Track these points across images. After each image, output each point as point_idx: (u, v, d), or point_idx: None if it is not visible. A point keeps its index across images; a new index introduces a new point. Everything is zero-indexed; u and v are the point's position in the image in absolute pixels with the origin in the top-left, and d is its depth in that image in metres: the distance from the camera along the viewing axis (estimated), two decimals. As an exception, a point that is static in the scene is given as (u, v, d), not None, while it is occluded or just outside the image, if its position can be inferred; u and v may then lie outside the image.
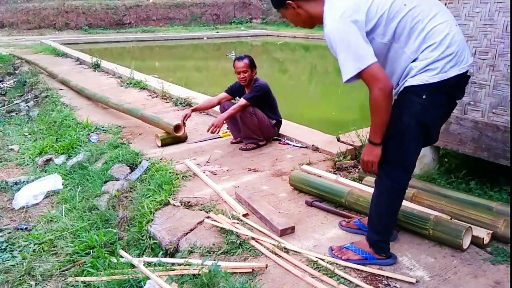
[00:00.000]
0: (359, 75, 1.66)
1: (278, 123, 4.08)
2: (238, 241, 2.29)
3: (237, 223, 2.46)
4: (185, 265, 2.18)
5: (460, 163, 2.97)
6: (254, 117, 3.77)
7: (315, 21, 1.83)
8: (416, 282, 1.93)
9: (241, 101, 3.78)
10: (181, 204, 2.80)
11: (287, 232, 2.35)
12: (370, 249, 2.06)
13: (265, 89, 3.87)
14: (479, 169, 2.82)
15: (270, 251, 2.18)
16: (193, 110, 4.15)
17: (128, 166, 3.63)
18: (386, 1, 1.70)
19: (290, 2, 1.76)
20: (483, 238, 2.18)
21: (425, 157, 2.96)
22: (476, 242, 2.20)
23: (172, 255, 2.38)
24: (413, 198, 2.55)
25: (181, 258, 2.27)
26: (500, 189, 2.65)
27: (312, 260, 2.09)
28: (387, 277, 1.96)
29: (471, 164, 2.87)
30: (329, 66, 12.69)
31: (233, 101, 4.10)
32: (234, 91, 4.06)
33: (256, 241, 2.27)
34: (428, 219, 2.22)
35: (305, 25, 1.86)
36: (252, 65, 3.83)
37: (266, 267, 2.05)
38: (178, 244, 2.41)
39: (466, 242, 2.16)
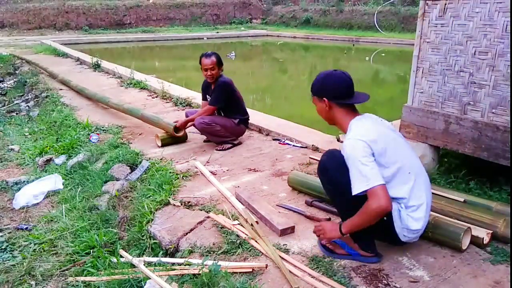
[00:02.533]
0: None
1: (244, 121, 4.00)
2: (238, 241, 2.29)
3: (239, 224, 2.46)
4: (185, 265, 2.19)
5: (460, 163, 2.97)
6: (214, 125, 3.78)
7: (336, 124, 2.08)
8: (416, 282, 1.93)
9: (206, 108, 3.87)
10: (181, 204, 2.80)
11: (287, 232, 2.36)
12: (355, 244, 2.09)
13: (228, 87, 3.84)
14: (479, 169, 2.82)
15: (270, 251, 2.18)
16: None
17: (128, 166, 3.63)
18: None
19: (326, 99, 2.01)
20: (483, 238, 2.18)
21: (425, 157, 2.96)
22: (476, 242, 2.20)
23: (172, 255, 2.38)
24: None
25: (181, 258, 2.28)
26: (500, 189, 2.66)
27: (312, 260, 2.09)
28: (386, 276, 1.97)
29: (471, 164, 2.88)
30: (329, 66, 12.69)
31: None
32: (205, 92, 4.06)
33: (256, 241, 2.28)
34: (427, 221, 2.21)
35: (327, 120, 2.11)
36: (219, 63, 3.79)
37: (266, 267, 2.05)
38: (178, 244, 2.42)
39: (466, 242, 2.16)
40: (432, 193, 2.54)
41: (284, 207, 2.69)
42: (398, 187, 1.91)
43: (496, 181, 2.70)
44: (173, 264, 2.25)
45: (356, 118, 1.98)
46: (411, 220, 1.94)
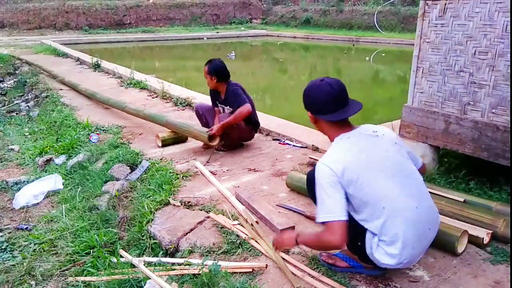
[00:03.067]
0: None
1: (256, 127, 3.99)
2: (238, 241, 2.29)
3: (239, 224, 2.46)
4: (185, 265, 2.19)
5: (460, 163, 2.97)
6: (236, 130, 3.72)
7: (326, 135, 1.95)
8: (416, 282, 1.93)
9: (243, 108, 3.59)
10: (181, 204, 2.80)
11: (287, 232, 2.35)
12: (355, 256, 1.98)
13: (241, 89, 3.77)
14: (479, 169, 2.82)
15: (271, 251, 2.18)
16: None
17: (128, 166, 3.63)
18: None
19: (310, 114, 1.90)
20: (483, 238, 2.18)
21: (425, 157, 2.96)
22: (475, 242, 2.20)
23: (172, 255, 2.38)
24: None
25: (181, 258, 2.28)
26: (500, 189, 2.66)
27: (312, 260, 2.09)
28: (385, 274, 1.97)
29: (471, 164, 2.88)
30: (329, 67, 12.72)
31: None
32: (214, 99, 4.00)
33: (256, 241, 2.28)
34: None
35: (321, 132, 1.97)
36: (210, 73, 3.70)
37: (266, 267, 2.05)
38: (178, 244, 2.42)
39: (462, 246, 2.14)
40: (432, 193, 2.55)
41: (284, 207, 2.69)
42: (368, 220, 1.77)
43: (496, 181, 2.70)
44: (173, 264, 2.25)
45: (340, 136, 1.82)
46: (382, 253, 1.76)
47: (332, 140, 1.87)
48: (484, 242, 2.18)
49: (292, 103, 7.05)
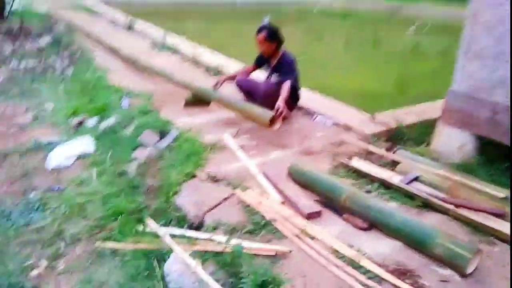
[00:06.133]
0: None
1: (298, 99, 3.92)
2: (262, 222, 2.26)
3: (264, 204, 2.43)
4: (209, 241, 2.19)
5: (502, 155, 2.78)
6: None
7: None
8: (446, 281, 1.85)
9: (287, 84, 3.51)
10: (208, 178, 2.79)
11: (313, 216, 2.30)
12: None
13: (296, 64, 3.70)
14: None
15: (295, 235, 2.15)
16: (226, 79, 4.09)
17: (157, 133, 3.64)
18: None
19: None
20: (521, 239, 2.06)
21: (466, 145, 2.80)
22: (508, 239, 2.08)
23: (196, 229, 2.39)
24: (449, 191, 2.44)
25: (205, 233, 2.28)
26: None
27: (337, 249, 2.04)
28: (414, 273, 1.90)
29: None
30: (367, 35, 12.16)
31: (258, 71, 4.01)
32: (261, 61, 3.94)
33: (281, 224, 2.24)
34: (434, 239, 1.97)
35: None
36: (271, 38, 3.60)
37: (290, 252, 2.02)
38: (203, 219, 2.41)
39: (472, 266, 1.90)
40: (471, 186, 2.42)
41: (322, 203, 2.48)
42: None
43: None
44: (197, 238, 2.25)
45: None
46: None
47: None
48: (522, 244, 2.05)
49: (326, 73, 6.81)
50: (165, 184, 2.83)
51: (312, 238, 2.14)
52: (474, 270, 1.92)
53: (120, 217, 2.68)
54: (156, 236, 2.37)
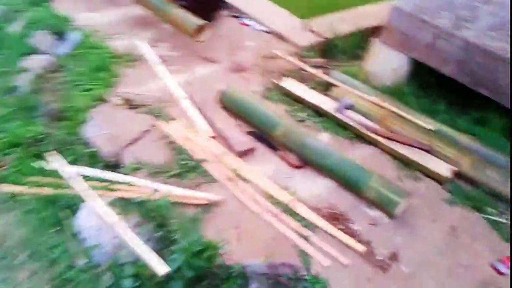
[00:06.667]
0: None
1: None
2: (191, 163, 2.03)
3: (190, 139, 2.16)
4: (130, 186, 1.92)
5: (434, 82, 2.75)
6: None
7: None
8: (375, 224, 1.88)
9: None
10: (123, 102, 2.38)
11: (247, 153, 2.12)
12: None
13: None
14: (453, 92, 2.63)
15: (227, 178, 1.97)
16: None
17: (54, 34, 2.95)
18: None
19: None
20: (445, 176, 2.13)
21: (401, 69, 2.70)
22: (437, 178, 2.15)
23: (113, 169, 2.08)
24: (381, 121, 2.39)
25: (124, 175, 1.99)
26: (468, 115, 2.54)
27: (271, 194, 1.93)
28: (343, 215, 1.90)
29: (446, 85, 2.67)
30: None
31: None
32: None
33: (212, 165, 2.03)
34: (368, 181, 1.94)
35: None
36: None
37: (222, 201, 1.86)
38: (120, 157, 2.10)
39: (400, 209, 1.91)
40: (402, 116, 2.37)
41: (257, 137, 2.25)
42: None
43: (467, 110, 2.55)
44: (114, 182, 1.96)
45: None
46: None
47: None
48: (445, 180, 2.13)
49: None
50: (69, 109, 2.37)
51: (245, 180, 1.98)
52: (403, 211, 1.97)
53: (15, 150, 2.23)
54: (59, 176, 2.01)
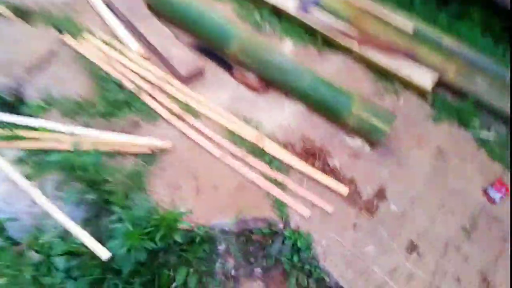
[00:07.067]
0: None
1: None
2: (121, 95, 1.52)
3: (116, 61, 1.61)
4: (41, 132, 1.41)
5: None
6: None
7: None
8: (357, 156, 1.60)
9: None
10: (14, 12, 1.70)
11: (195, 77, 1.64)
12: None
13: None
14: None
15: (173, 114, 1.51)
16: None
17: None
18: None
19: None
20: (428, 88, 1.83)
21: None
22: (419, 92, 1.86)
23: (13, 110, 1.52)
24: (353, 21, 1.95)
25: (30, 117, 1.46)
26: (448, 12, 2.17)
27: (231, 130, 1.53)
28: (321, 149, 1.58)
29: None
30: None
31: None
32: None
33: (152, 97, 1.54)
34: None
35: None
36: None
37: (169, 146, 1.44)
38: (21, 91, 1.53)
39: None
40: (377, 16, 1.96)
41: (206, 53, 1.75)
42: None
43: (468, 11, 2.17)
44: (16, 128, 1.43)
45: None
46: None
47: None
48: (428, 92, 1.84)
49: None
50: None
51: (196, 115, 1.54)
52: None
53: None
54: None
